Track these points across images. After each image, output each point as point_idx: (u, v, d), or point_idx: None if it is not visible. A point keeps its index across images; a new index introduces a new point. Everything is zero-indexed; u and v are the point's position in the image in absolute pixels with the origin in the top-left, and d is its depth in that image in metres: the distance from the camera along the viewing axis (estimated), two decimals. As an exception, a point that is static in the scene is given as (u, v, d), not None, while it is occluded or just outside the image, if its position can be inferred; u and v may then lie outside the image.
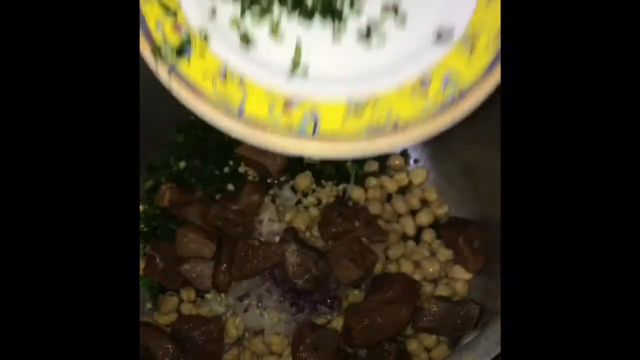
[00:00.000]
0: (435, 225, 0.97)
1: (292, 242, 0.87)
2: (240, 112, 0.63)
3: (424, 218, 0.96)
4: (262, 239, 0.91)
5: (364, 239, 0.91)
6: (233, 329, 0.90)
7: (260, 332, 0.90)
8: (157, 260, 0.92)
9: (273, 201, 0.96)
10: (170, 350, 0.86)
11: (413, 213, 0.97)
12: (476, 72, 0.63)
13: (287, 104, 0.63)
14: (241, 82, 0.64)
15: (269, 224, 0.93)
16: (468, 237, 0.91)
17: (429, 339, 0.89)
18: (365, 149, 0.63)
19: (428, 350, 0.89)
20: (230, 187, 0.97)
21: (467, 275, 0.92)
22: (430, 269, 0.92)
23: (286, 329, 0.89)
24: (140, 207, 0.98)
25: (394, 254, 0.93)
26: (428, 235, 0.96)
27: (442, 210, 0.97)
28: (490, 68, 0.63)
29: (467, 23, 0.65)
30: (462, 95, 0.63)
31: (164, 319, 0.92)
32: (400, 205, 0.96)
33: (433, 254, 0.94)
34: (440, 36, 0.65)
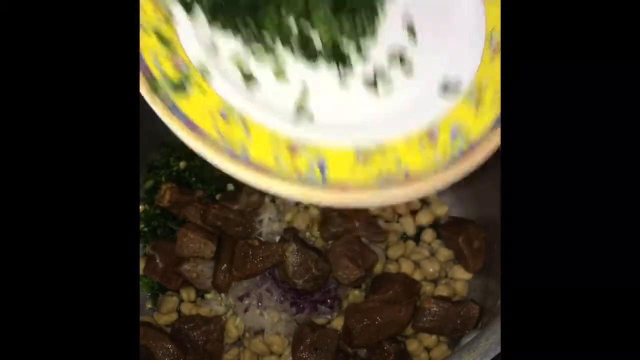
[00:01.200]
0: (435, 225, 0.97)
1: (292, 242, 0.87)
2: (243, 156, 0.59)
3: (424, 218, 0.96)
4: (262, 239, 0.91)
5: (364, 239, 0.91)
6: (233, 329, 0.90)
7: (260, 332, 0.90)
8: (157, 260, 0.92)
9: (273, 201, 0.96)
10: (170, 350, 0.86)
11: (413, 213, 0.97)
12: (484, 125, 0.62)
13: (292, 149, 0.60)
14: (244, 123, 0.61)
15: (269, 224, 0.93)
16: (468, 237, 0.91)
17: (429, 339, 0.89)
18: (375, 199, 0.60)
19: (428, 350, 0.89)
20: (230, 187, 0.97)
21: (467, 275, 0.92)
22: (430, 269, 0.92)
23: (286, 329, 0.89)
24: (140, 207, 0.98)
25: (394, 254, 0.93)
26: (428, 235, 0.96)
27: (442, 210, 0.97)
28: (498, 121, 0.61)
29: (472, 77, 0.64)
30: (471, 147, 0.61)
31: (164, 319, 0.92)
32: (400, 205, 0.96)
33: (433, 254, 0.94)
34: (447, 88, 0.64)
